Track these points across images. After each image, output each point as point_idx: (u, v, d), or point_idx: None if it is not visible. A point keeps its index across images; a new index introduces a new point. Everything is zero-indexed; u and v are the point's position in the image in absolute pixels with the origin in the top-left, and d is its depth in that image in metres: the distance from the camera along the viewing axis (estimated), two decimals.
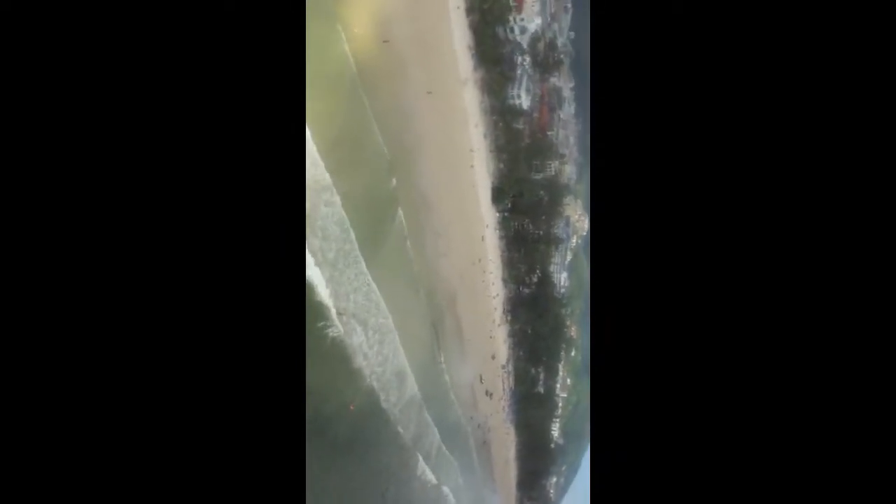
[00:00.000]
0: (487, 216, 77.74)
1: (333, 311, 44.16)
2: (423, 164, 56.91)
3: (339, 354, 44.45)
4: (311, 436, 33.09)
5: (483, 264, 77.84)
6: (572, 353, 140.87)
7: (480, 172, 73.80)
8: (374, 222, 50.20)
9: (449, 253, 64.69)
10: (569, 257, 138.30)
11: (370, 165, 48.90)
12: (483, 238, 77.09)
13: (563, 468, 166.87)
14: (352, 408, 45.56)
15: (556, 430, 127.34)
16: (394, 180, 52.30)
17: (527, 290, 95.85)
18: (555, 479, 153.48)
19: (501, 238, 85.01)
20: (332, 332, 43.38)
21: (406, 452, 60.15)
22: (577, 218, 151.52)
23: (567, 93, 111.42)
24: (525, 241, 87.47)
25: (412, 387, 59.56)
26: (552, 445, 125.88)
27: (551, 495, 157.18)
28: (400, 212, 53.80)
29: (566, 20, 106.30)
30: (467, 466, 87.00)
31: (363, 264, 47.01)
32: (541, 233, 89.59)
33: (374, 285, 49.13)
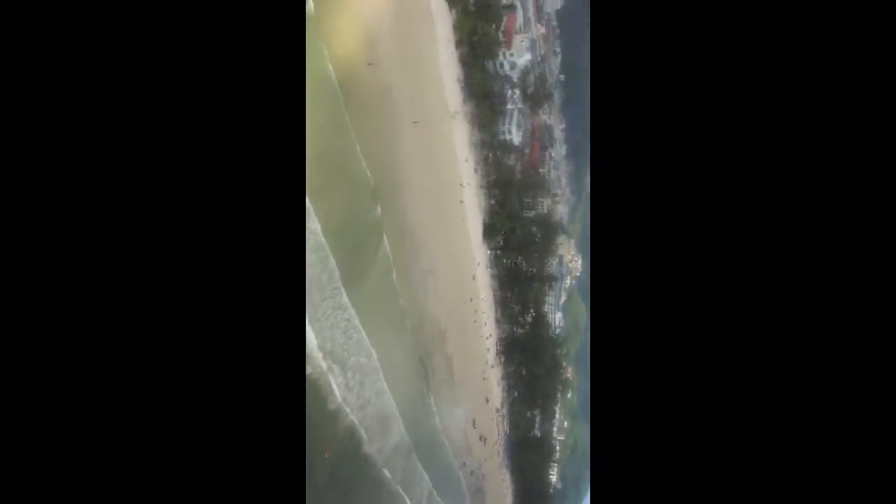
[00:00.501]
0: (478, 253, 74.01)
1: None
2: (410, 195, 53.46)
3: (314, 395, 39.93)
4: None
5: (475, 303, 73.64)
6: (569, 395, 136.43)
7: (471, 208, 70.44)
8: (355, 252, 46.02)
9: (438, 290, 60.76)
10: (563, 298, 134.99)
11: (353, 191, 45.10)
12: (474, 276, 73.15)
13: None
14: (327, 456, 40.87)
15: (553, 475, 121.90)
16: (378, 208, 48.39)
17: (520, 330, 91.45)
18: None
19: (493, 276, 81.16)
20: (308, 371, 39.04)
21: (395, 501, 54.90)
22: (570, 258, 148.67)
23: (558, 133, 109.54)
24: (518, 280, 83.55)
25: (399, 431, 54.71)
26: (550, 491, 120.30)
27: None
28: (385, 242, 49.67)
29: (556, 63, 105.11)
30: None
31: (343, 296, 42.80)
32: (534, 270, 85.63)
33: (355, 320, 44.80)
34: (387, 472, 51.79)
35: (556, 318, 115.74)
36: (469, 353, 73.86)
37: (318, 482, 39.64)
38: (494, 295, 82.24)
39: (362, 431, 47.50)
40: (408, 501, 58.17)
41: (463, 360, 70.63)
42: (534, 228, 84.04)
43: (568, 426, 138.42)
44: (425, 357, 60.01)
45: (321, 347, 40.98)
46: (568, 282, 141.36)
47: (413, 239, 54.87)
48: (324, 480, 41.12)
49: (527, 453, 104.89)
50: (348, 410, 44.94)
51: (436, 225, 59.86)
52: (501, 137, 76.76)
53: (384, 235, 49.15)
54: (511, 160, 79.10)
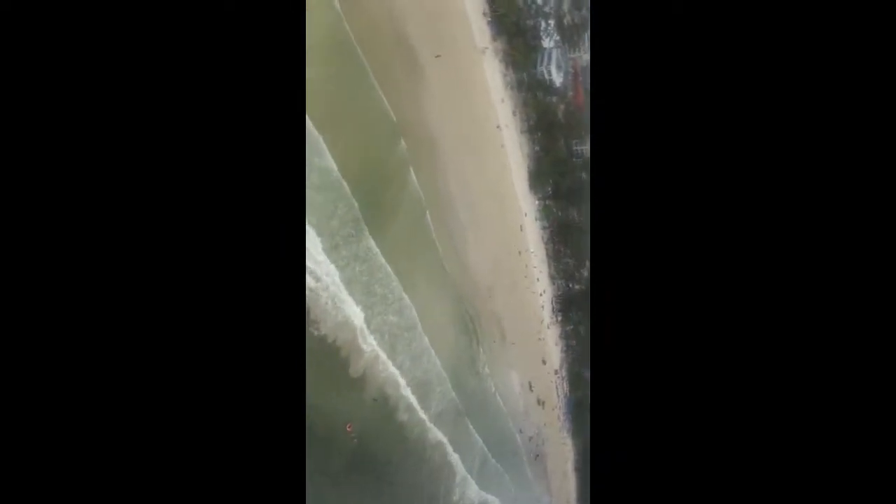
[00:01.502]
0: (525, 203, 66.36)
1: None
2: (440, 136, 46.32)
3: (332, 360, 33.59)
4: (315, 458, 23.66)
5: (525, 257, 66.20)
6: (590, 307, 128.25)
7: (512, 153, 62.80)
8: (380, 191, 38.97)
9: (481, 241, 53.64)
10: None
11: (371, 127, 38.14)
12: (522, 228, 65.59)
13: None
14: (349, 429, 34.63)
15: None
16: (402, 142, 41.06)
17: (577, 287, 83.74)
18: None
19: (544, 228, 73.49)
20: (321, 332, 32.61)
21: (442, 470, 48.88)
22: None
23: None
24: (571, 231, 75.60)
25: (445, 395, 48.42)
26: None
27: None
28: (414, 179, 42.36)
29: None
30: (520, 479, 74.39)
31: (370, 241, 36.02)
32: (586, 220, 77.47)
33: (386, 269, 37.95)
34: (431, 438, 45.45)
35: None
36: (521, 311, 66.76)
37: (336, 462, 33.52)
38: (546, 248, 74.48)
39: (399, 398, 41.27)
40: (459, 467, 51.92)
41: (515, 318, 63.67)
42: (584, 175, 75.64)
43: (590, 338, 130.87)
44: (473, 314, 53.09)
45: (336, 300, 34.27)
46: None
47: (447, 182, 47.85)
48: (342, 461, 35.00)
49: (587, 417, 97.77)
50: (380, 375, 38.55)
51: (473, 170, 52.77)
52: (540, 78, 68.51)
53: (412, 172, 41.92)
54: (553, 101, 70.73)
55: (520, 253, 64.77)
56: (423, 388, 44.57)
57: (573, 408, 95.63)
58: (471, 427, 55.06)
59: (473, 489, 58.47)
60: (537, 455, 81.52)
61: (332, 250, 33.05)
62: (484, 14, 57.87)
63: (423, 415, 44.61)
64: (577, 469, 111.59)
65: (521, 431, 72.64)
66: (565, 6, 70.11)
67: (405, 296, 40.26)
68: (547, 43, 69.11)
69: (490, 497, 63.63)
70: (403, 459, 43.00)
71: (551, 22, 68.87)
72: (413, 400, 43.28)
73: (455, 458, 52.18)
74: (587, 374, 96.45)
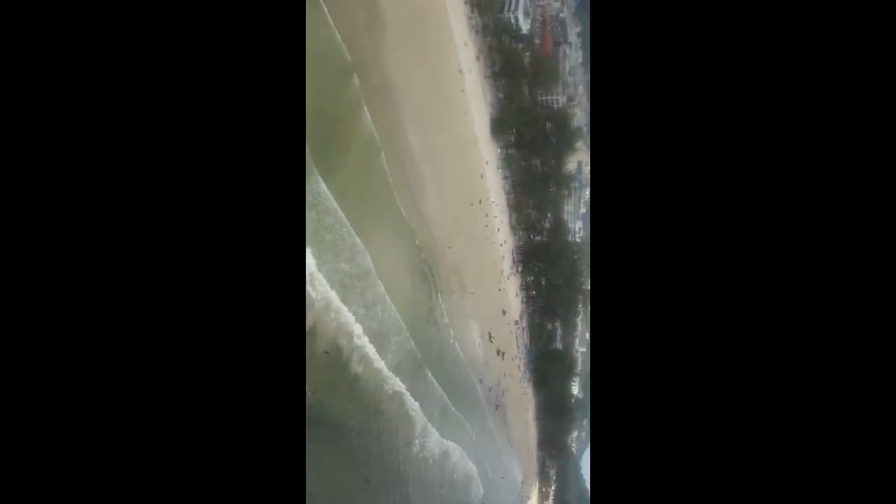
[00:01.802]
0: (487, 150, 64.61)
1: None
2: (396, 75, 43.72)
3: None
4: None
5: (485, 206, 64.76)
6: (590, 308, 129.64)
7: (474, 99, 60.66)
8: (330, 130, 36.40)
9: (440, 188, 51.78)
10: (583, 209, 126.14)
11: (319, 64, 35.39)
12: (482, 175, 64.01)
13: (585, 422, 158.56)
14: (310, 395, 32.83)
15: (576, 387, 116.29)
16: (356, 79, 38.39)
17: (538, 238, 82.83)
18: (576, 434, 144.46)
19: (505, 178, 71.91)
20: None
21: (402, 420, 48.04)
22: (588, 169, 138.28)
23: (574, 37, 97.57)
24: (533, 181, 74.10)
25: (402, 347, 47.13)
26: (572, 402, 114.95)
27: (573, 450, 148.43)
28: (368, 117, 39.84)
29: None
30: (480, 428, 74.51)
31: (320, 183, 33.76)
32: (550, 171, 75.78)
33: (337, 213, 35.79)
34: (388, 389, 44.39)
35: (576, 227, 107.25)
36: (481, 260, 65.60)
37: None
38: (507, 198, 73.18)
39: (353, 348, 39.83)
40: (419, 417, 51.26)
41: (474, 268, 62.43)
42: (549, 125, 73.91)
43: (590, 339, 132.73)
44: (431, 263, 51.50)
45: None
46: (587, 193, 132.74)
47: (404, 126, 45.54)
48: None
49: (548, 367, 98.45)
50: (330, 325, 36.87)
51: (432, 114, 50.45)
52: (506, 23, 65.99)
53: (366, 111, 39.45)
54: (519, 48, 68.48)
55: (480, 202, 63.24)
56: (379, 339, 43.16)
57: (534, 359, 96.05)
58: (430, 376, 54.05)
59: (434, 437, 57.96)
60: (498, 405, 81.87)
61: None
62: None
63: (379, 365, 43.34)
64: (538, 419, 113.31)
65: (481, 382, 72.37)
66: None
67: (358, 242, 38.36)
68: None
69: (451, 444, 63.30)
70: (359, 411, 41.85)
71: None
72: (369, 350, 41.90)
73: (415, 407, 51.38)
74: (548, 325, 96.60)
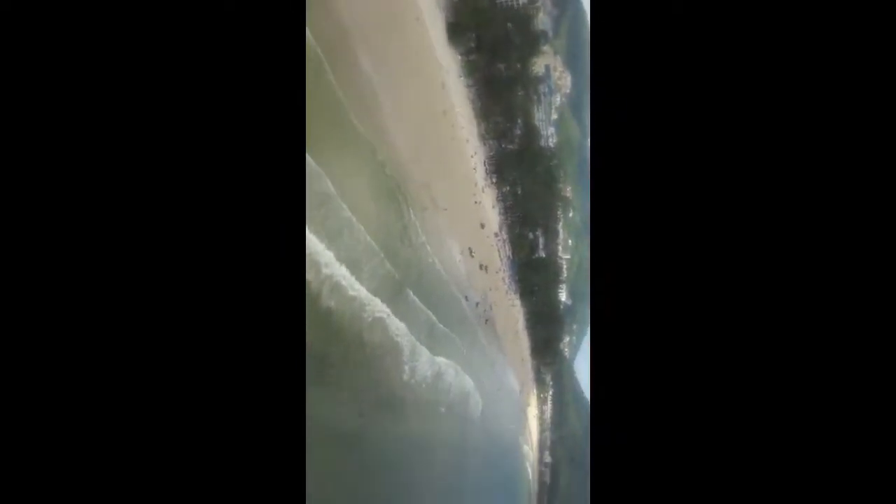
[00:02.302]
0: (445, 58, 60.32)
1: None
2: None
3: None
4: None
5: (450, 117, 61.09)
6: (570, 214, 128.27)
7: (426, 4, 55.84)
8: None
9: (396, 101, 47.92)
10: (554, 115, 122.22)
11: None
12: (443, 85, 59.94)
13: (574, 327, 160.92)
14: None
15: (563, 294, 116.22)
16: None
17: (510, 146, 79.70)
18: (567, 339, 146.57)
19: (469, 86, 67.83)
20: None
21: (386, 347, 46.06)
22: (558, 74, 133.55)
23: None
24: (499, 86, 70.11)
25: (380, 268, 44.67)
26: (561, 308, 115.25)
27: (566, 355, 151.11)
28: (308, 33, 35.60)
29: None
30: (471, 343, 73.25)
31: None
32: (514, 74, 71.66)
33: None
34: (367, 317, 42.23)
35: (549, 133, 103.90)
36: (452, 175, 62.58)
37: None
38: (473, 107, 69.39)
39: (322, 280, 37.23)
40: (405, 341, 49.45)
41: (445, 183, 59.41)
42: (509, 25, 69.36)
43: (572, 244, 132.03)
44: (398, 180, 48.35)
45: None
46: (558, 100, 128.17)
47: (346, 38, 41.24)
48: None
49: (533, 276, 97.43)
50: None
51: (379, 22, 45.96)
52: None
53: (305, 28, 35.30)
54: None
55: (444, 113, 59.51)
56: (351, 266, 40.51)
57: (518, 270, 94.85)
58: (412, 297, 51.81)
59: (425, 359, 56.45)
60: (486, 320, 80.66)
61: None
62: None
63: (354, 293, 40.85)
64: (528, 328, 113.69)
65: (466, 298, 70.55)
66: None
67: (313, 164, 35.10)
68: None
69: (443, 360, 61.92)
70: (339, 344, 39.74)
71: None
72: (341, 279, 39.37)
73: (400, 330, 49.35)
74: (529, 234, 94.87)
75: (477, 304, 73.96)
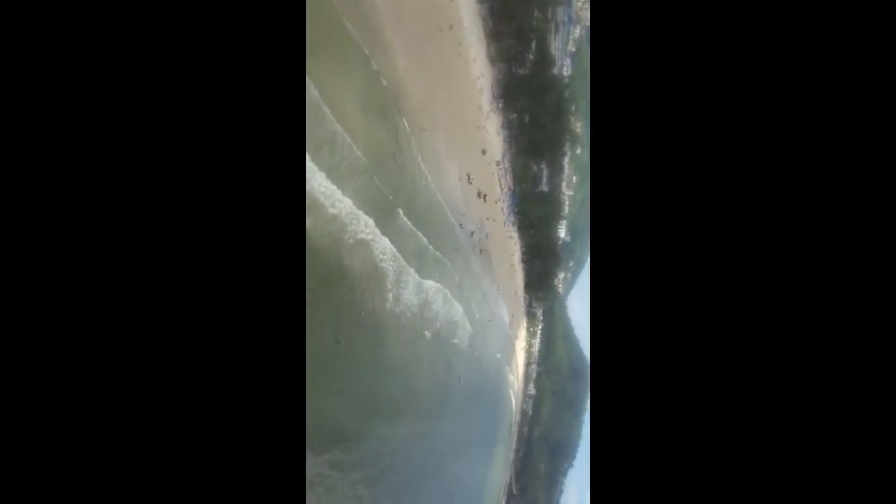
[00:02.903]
0: None
1: None
2: None
3: None
4: None
5: (457, 34, 56.66)
6: (578, 151, 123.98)
7: None
8: None
9: (396, 11, 43.77)
10: (571, 47, 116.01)
11: None
12: None
13: (571, 264, 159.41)
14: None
15: (562, 230, 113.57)
16: None
17: (521, 71, 75.10)
18: (563, 275, 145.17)
19: (480, 1, 62.86)
20: None
21: (367, 272, 43.81)
22: (580, 4, 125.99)
23: None
24: (514, 6, 65.10)
25: (367, 186, 41.85)
26: (559, 245, 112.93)
27: (560, 291, 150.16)
28: None
29: None
30: (464, 270, 70.97)
31: None
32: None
33: None
34: (349, 240, 39.76)
35: (564, 63, 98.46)
36: (456, 96, 58.73)
37: None
38: (484, 24, 64.59)
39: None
40: (390, 265, 47.21)
41: (448, 104, 55.70)
42: None
43: (577, 181, 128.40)
44: (394, 95, 44.85)
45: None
46: (577, 31, 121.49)
47: None
48: None
49: (534, 209, 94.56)
50: None
51: None
52: None
53: None
54: None
55: (451, 27, 55.12)
56: (335, 180, 37.69)
57: (518, 201, 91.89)
58: (403, 218, 49.06)
59: (411, 288, 54.18)
60: (481, 250, 78.26)
61: None
62: None
63: (335, 210, 38.10)
64: (524, 262, 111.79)
65: (461, 226, 67.83)
66: None
67: None
68: None
69: (433, 284, 59.52)
70: (316, 268, 37.43)
71: None
72: (319, 196, 36.70)
73: (385, 253, 46.85)
74: (533, 166, 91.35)
75: (472, 233, 71.41)
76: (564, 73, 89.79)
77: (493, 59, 68.21)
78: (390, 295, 49.45)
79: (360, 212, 41.25)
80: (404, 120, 47.67)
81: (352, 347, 42.53)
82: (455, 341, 73.49)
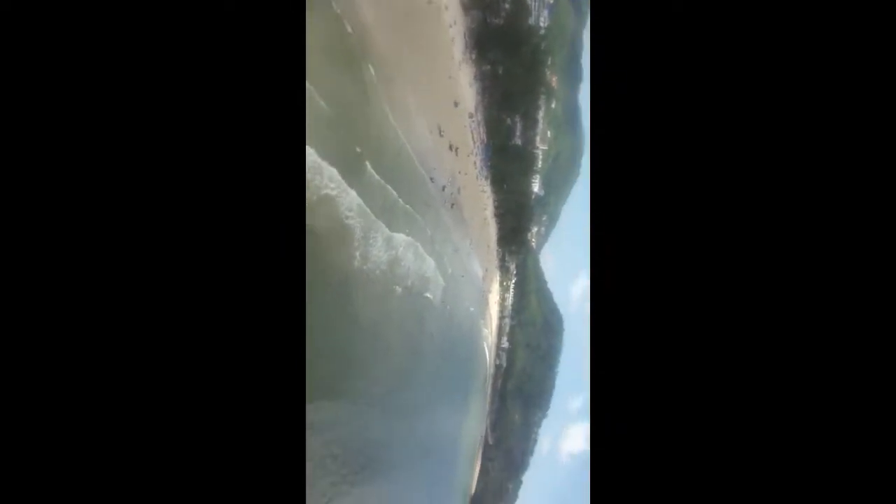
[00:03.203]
0: None
1: None
2: None
3: None
4: None
5: None
6: (553, 104, 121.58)
7: None
8: None
9: None
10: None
11: None
12: None
13: (544, 218, 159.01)
14: None
15: (535, 184, 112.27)
16: None
17: (496, 20, 72.29)
18: (535, 230, 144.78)
19: None
20: None
21: (331, 230, 42.00)
22: None
23: None
24: None
25: (331, 138, 39.77)
26: (532, 198, 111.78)
27: (532, 244, 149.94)
28: None
29: None
30: (435, 224, 69.31)
31: None
32: None
33: None
34: (311, 196, 37.75)
35: (541, 14, 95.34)
36: (425, 44, 56.08)
37: None
38: None
39: None
40: (356, 222, 45.42)
41: (417, 52, 53.14)
42: None
43: (551, 136, 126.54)
44: (357, 41, 42.33)
45: None
46: None
47: None
48: None
49: (507, 164, 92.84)
50: None
51: None
52: None
53: None
54: None
55: None
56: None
57: (491, 154, 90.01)
58: (370, 170, 47.04)
59: (381, 240, 52.49)
60: (453, 204, 76.60)
61: None
62: None
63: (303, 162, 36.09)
64: (497, 216, 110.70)
65: (432, 180, 65.88)
66: None
67: None
68: None
69: (402, 236, 57.71)
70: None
71: None
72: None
73: (351, 209, 44.83)
74: (507, 119, 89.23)
75: (444, 187, 69.64)
76: (541, 25, 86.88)
77: (466, 7, 65.30)
78: (357, 254, 47.71)
79: (325, 165, 39.33)
80: (371, 68, 45.23)
81: (317, 304, 41.26)
82: (427, 295, 72.51)
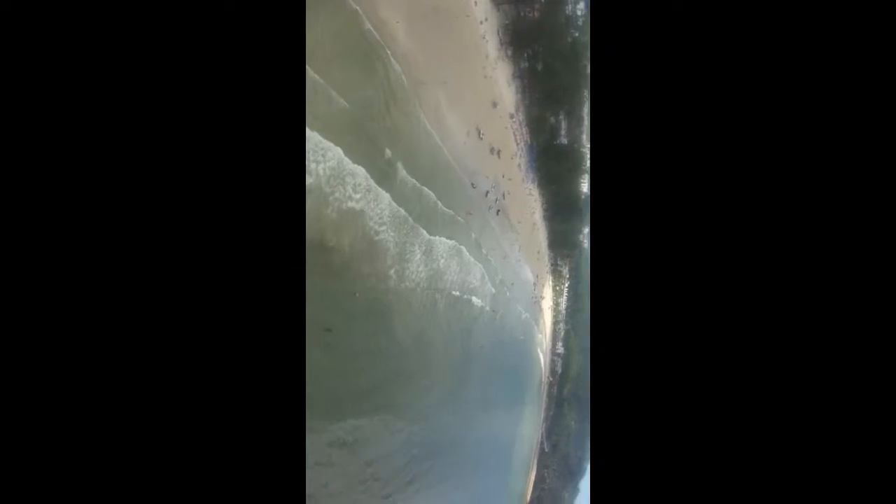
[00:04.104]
0: None
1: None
2: None
3: None
4: None
5: None
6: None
7: None
8: None
9: None
10: None
11: None
12: None
13: None
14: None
15: (584, 184, 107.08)
16: None
17: (530, 13, 68.64)
18: (587, 230, 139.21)
19: None
20: None
21: (362, 249, 39.26)
22: None
23: None
24: None
25: (359, 143, 37.12)
26: (582, 198, 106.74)
27: (585, 246, 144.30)
28: None
29: None
30: (482, 229, 65.81)
31: None
32: None
33: None
34: (330, 212, 34.99)
35: (580, 5, 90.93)
36: (457, 43, 53.01)
37: None
38: None
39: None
40: (388, 238, 42.69)
41: (446, 49, 50.14)
42: None
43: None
44: (382, 40, 39.67)
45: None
46: None
47: None
48: None
49: (553, 164, 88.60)
50: None
51: None
52: None
53: None
54: None
55: None
56: (311, 139, 32.75)
57: (536, 156, 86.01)
58: (403, 172, 43.99)
59: (421, 241, 49.08)
60: (499, 210, 72.83)
61: None
62: None
63: (310, 178, 32.98)
64: (546, 220, 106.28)
65: (473, 186, 62.26)
66: None
67: None
68: None
69: (444, 240, 54.39)
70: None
71: None
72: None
73: (380, 223, 41.80)
74: (550, 117, 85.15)
75: (487, 192, 65.87)
76: (578, 14, 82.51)
77: (496, 2, 61.93)
78: (392, 272, 44.21)
79: (349, 173, 36.62)
80: (399, 68, 42.41)
81: (349, 332, 38.44)
82: (476, 303, 69.11)
